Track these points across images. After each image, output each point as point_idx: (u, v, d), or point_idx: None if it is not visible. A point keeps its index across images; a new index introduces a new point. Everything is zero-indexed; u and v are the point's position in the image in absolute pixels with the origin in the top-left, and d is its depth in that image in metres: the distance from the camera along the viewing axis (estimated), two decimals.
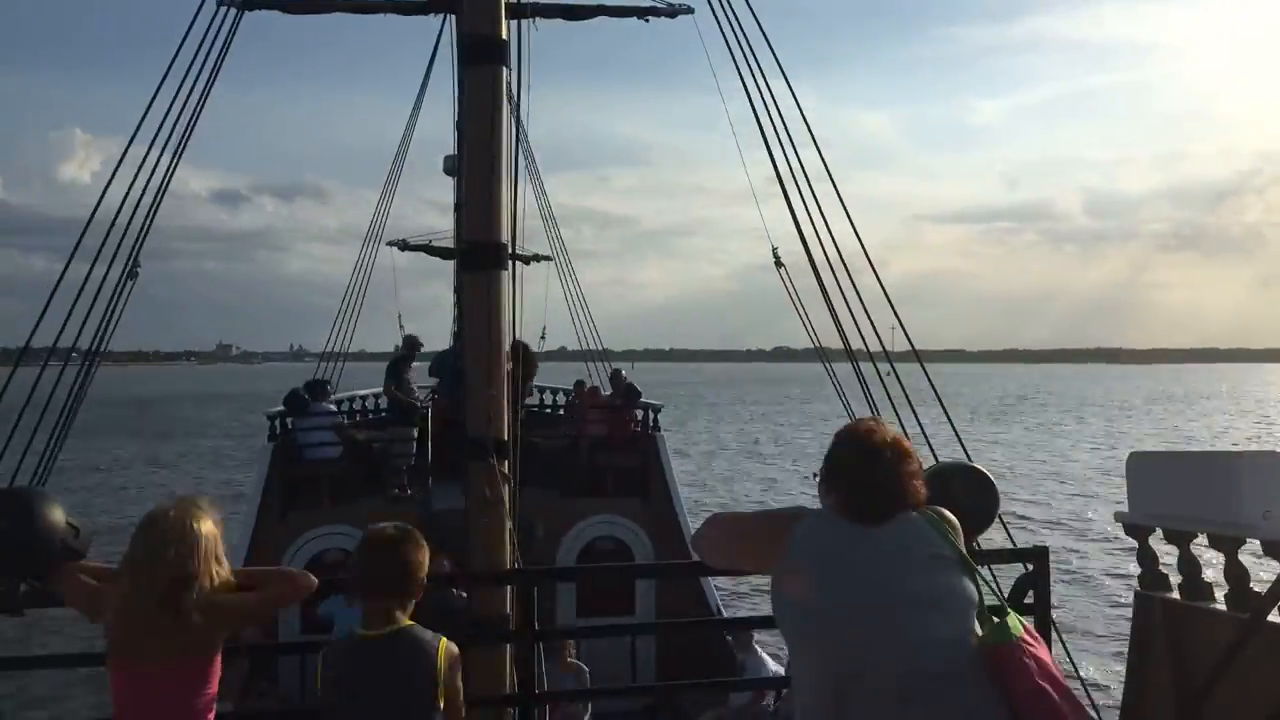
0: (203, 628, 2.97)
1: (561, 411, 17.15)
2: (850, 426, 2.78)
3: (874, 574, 2.49)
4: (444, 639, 3.21)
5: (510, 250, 5.12)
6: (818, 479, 2.75)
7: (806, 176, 7.35)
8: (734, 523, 3.12)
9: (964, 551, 2.58)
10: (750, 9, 7.43)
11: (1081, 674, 6.66)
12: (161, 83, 7.43)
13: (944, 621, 2.45)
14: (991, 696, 2.42)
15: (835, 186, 7.47)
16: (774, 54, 7.47)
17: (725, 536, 3.03)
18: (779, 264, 8.88)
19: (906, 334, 8.02)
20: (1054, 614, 4.40)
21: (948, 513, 2.69)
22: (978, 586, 2.56)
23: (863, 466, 2.62)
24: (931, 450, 6.60)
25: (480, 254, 5.00)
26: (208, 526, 3.06)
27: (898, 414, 7.00)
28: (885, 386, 7.21)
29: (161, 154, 7.37)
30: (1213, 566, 4.51)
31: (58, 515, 3.44)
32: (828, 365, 8.22)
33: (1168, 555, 4.71)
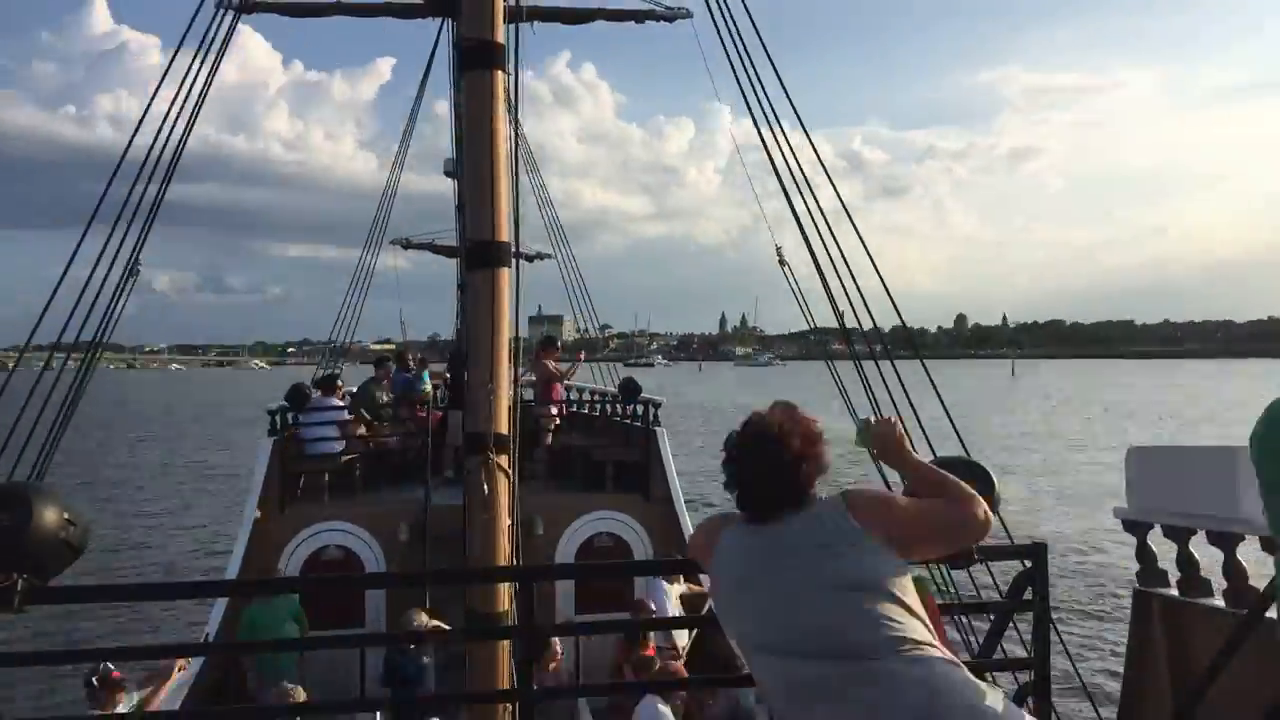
0: None
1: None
2: (748, 418, 2.69)
3: (766, 574, 2.45)
4: None
5: (514, 249, 5.18)
6: None
7: (806, 179, 7.37)
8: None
9: (857, 525, 2.43)
10: (748, 12, 7.44)
11: (1080, 670, 6.67)
12: (160, 82, 7.52)
13: (842, 608, 2.37)
14: (908, 674, 2.28)
15: (835, 187, 7.50)
16: (770, 58, 7.48)
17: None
18: (782, 262, 8.91)
19: (904, 323, 8.02)
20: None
21: (856, 490, 2.55)
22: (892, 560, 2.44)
23: (744, 459, 2.57)
24: (930, 446, 6.62)
25: (483, 252, 5.05)
26: None
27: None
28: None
29: (163, 152, 7.44)
30: (1213, 568, 4.51)
31: (55, 510, 3.43)
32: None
33: (1167, 550, 4.73)
